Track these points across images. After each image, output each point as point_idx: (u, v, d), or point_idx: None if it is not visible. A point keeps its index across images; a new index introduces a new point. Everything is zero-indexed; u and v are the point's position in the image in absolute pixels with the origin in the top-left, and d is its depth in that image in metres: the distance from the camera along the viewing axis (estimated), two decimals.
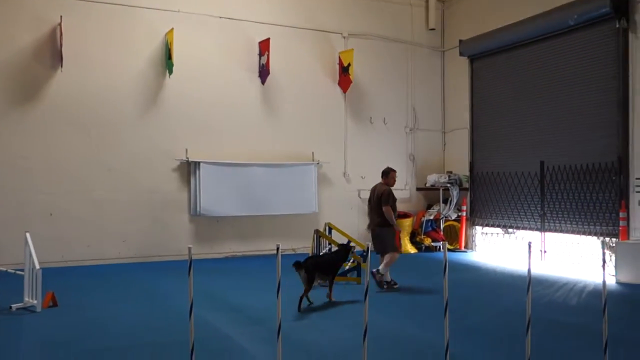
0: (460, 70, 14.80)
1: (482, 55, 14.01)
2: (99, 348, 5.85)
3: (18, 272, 7.79)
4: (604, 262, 5.03)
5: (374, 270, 8.99)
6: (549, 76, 12.31)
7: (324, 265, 8.13)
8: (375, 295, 8.31)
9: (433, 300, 8.06)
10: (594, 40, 11.39)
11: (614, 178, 10.93)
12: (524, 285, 4.90)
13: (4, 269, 8.32)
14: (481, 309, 7.81)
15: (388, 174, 9.54)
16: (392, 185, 9.48)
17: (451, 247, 14.04)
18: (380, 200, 9.16)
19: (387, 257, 9.11)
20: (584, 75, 11.58)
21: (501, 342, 6.08)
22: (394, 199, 9.28)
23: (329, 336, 6.36)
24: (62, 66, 11.11)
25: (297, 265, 7.53)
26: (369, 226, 9.93)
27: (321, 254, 9.56)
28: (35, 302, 7.37)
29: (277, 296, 4.38)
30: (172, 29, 11.81)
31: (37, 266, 7.36)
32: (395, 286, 9.14)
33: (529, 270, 4.85)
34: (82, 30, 11.48)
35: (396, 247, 9.32)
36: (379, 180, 9.57)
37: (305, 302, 7.64)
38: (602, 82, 11.21)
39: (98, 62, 11.65)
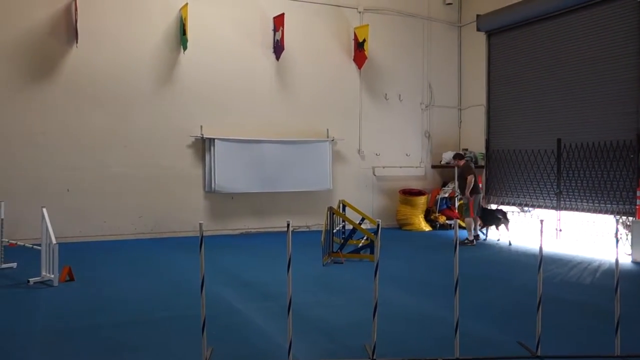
0: (477, 45, 14.58)
1: (499, 30, 13.78)
2: (114, 322, 5.95)
3: (36, 246, 7.93)
4: (617, 239, 4.99)
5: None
6: (567, 52, 12.09)
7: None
8: (386, 273, 8.32)
9: (445, 277, 8.06)
10: (613, 15, 11.13)
11: (631, 156, 10.77)
12: (537, 264, 4.88)
13: (22, 244, 8.49)
14: (493, 287, 7.80)
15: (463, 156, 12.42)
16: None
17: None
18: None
19: (465, 222, 11.98)
20: (602, 52, 11.35)
21: (512, 320, 6.08)
22: (473, 172, 11.81)
23: (340, 312, 6.40)
24: (77, 42, 11.13)
25: (497, 218, 11.87)
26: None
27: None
28: (52, 276, 7.50)
29: (288, 272, 4.42)
30: (187, 3, 11.76)
31: (54, 241, 7.47)
32: (467, 242, 11.49)
33: (540, 248, 4.83)
34: (97, 5, 11.48)
35: (468, 214, 11.76)
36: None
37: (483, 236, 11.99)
38: (622, 58, 10.97)
39: (113, 38, 11.66)
